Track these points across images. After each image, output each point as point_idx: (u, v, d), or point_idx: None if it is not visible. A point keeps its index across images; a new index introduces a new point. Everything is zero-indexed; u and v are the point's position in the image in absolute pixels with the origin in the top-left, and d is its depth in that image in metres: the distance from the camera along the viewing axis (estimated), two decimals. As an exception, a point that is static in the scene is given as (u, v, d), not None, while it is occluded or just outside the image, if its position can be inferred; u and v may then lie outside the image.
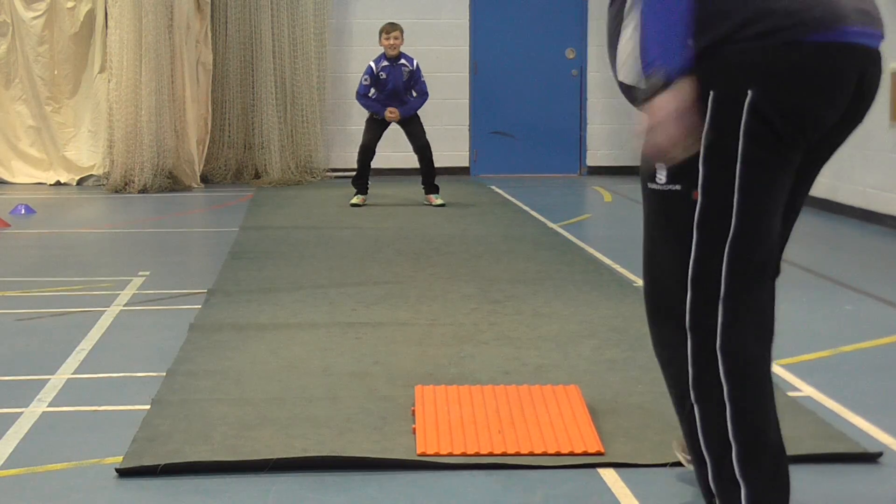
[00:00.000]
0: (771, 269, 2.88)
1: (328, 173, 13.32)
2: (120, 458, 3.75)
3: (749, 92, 2.66)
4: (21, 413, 4.29)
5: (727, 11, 2.67)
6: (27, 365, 5.01)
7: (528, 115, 13.77)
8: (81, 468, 3.73)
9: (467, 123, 13.80)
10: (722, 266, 2.76)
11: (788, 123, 2.71)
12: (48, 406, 4.41)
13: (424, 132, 10.63)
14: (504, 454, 3.78)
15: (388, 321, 5.80)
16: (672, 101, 2.66)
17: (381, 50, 10.73)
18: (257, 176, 13.03)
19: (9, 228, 9.35)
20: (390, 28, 10.64)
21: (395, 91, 10.55)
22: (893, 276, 7.28)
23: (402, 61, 10.59)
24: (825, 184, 10.31)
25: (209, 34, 12.86)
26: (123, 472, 3.65)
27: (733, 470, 2.81)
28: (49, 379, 4.77)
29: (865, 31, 2.76)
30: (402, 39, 10.64)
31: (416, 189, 11.15)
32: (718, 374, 2.79)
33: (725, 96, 2.68)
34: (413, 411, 4.19)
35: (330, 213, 10.30)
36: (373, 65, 10.60)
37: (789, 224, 3.07)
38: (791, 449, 3.79)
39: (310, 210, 10.58)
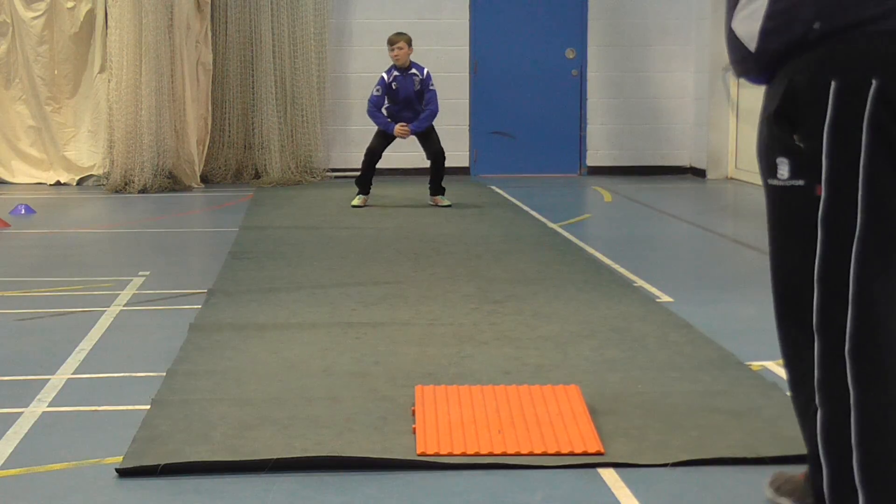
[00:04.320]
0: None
1: (328, 173, 13.32)
2: (120, 458, 3.75)
3: (873, 81, 2.58)
4: (21, 413, 4.30)
5: (832, 8, 2.64)
6: (27, 365, 5.01)
7: (528, 115, 13.76)
8: (81, 468, 3.73)
9: (467, 123, 13.79)
10: (850, 265, 2.67)
11: None
12: (48, 406, 4.41)
13: (438, 139, 10.64)
14: (504, 454, 3.79)
15: (388, 321, 5.80)
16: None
17: (380, 55, 10.70)
18: (257, 176, 13.03)
19: (9, 228, 9.35)
20: (395, 38, 10.56)
21: (407, 100, 10.52)
22: (893, 276, 7.28)
23: (413, 70, 10.55)
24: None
25: (209, 34, 12.86)
26: (123, 472, 3.66)
27: (853, 477, 2.71)
28: (49, 379, 4.77)
29: None
30: (409, 48, 10.57)
31: (416, 189, 11.14)
32: (846, 377, 2.70)
33: (848, 86, 2.60)
34: (413, 411, 4.19)
35: (330, 213, 10.30)
36: (385, 76, 10.55)
37: None
38: (791, 449, 3.80)
39: (310, 210, 10.57)
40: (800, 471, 3.33)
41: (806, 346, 2.78)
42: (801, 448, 3.79)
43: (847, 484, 2.73)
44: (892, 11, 2.60)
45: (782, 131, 2.72)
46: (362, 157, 10.72)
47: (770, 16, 2.71)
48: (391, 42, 10.56)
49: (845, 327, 2.70)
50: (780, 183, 2.74)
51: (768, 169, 2.78)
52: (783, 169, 2.73)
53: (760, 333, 5.55)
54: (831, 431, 2.74)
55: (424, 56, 13.12)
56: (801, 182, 2.69)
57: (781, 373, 4.81)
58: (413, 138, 10.71)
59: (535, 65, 13.73)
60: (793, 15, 2.68)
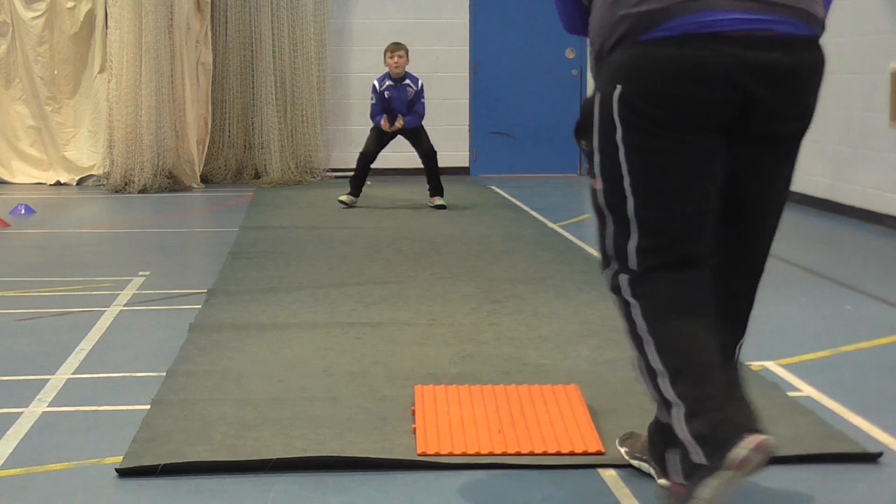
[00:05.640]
0: (688, 252, 3.13)
1: (328, 173, 13.33)
2: (120, 458, 3.75)
3: (618, 87, 3.06)
4: (21, 413, 4.29)
5: (602, 25, 3.13)
6: (27, 365, 5.01)
7: (528, 115, 13.77)
8: (81, 468, 3.73)
9: (467, 123, 13.80)
10: (632, 241, 3.13)
11: (659, 109, 3.03)
12: (48, 406, 4.41)
13: (428, 137, 10.62)
14: (504, 454, 3.78)
15: (388, 321, 5.80)
16: None
17: (374, 61, 10.73)
18: (257, 176, 13.04)
19: (9, 228, 9.35)
20: (395, 48, 10.51)
21: (398, 112, 10.52)
22: (893, 276, 7.28)
23: (407, 81, 10.53)
24: (825, 184, 10.31)
25: (209, 34, 12.87)
26: (123, 472, 3.65)
27: (671, 393, 3.03)
28: (49, 379, 4.77)
29: (738, 16, 2.97)
30: (408, 59, 10.57)
31: (416, 189, 11.15)
32: (640, 317, 3.12)
33: (604, 95, 3.11)
34: (413, 411, 4.19)
35: (330, 213, 10.30)
36: (376, 83, 10.54)
37: (761, 217, 3.27)
38: (791, 449, 3.81)
39: (310, 210, 10.58)
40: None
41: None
42: (800, 448, 3.81)
43: (665, 401, 3.05)
44: (615, 29, 3.08)
45: (578, 141, 3.29)
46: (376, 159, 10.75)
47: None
48: (392, 51, 10.47)
49: (628, 282, 3.18)
50: (589, 181, 3.27)
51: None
52: (588, 169, 3.28)
53: (760, 333, 5.54)
54: (645, 364, 3.13)
55: (425, 56, 13.13)
56: (591, 180, 3.25)
57: (782, 373, 4.82)
58: (405, 141, 10.69)
59: (535, 65, 13.73)
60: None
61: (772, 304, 6.26)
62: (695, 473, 2.89)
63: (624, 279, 3.15)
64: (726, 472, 2.82)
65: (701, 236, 3.14)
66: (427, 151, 10.56)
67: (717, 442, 2.85)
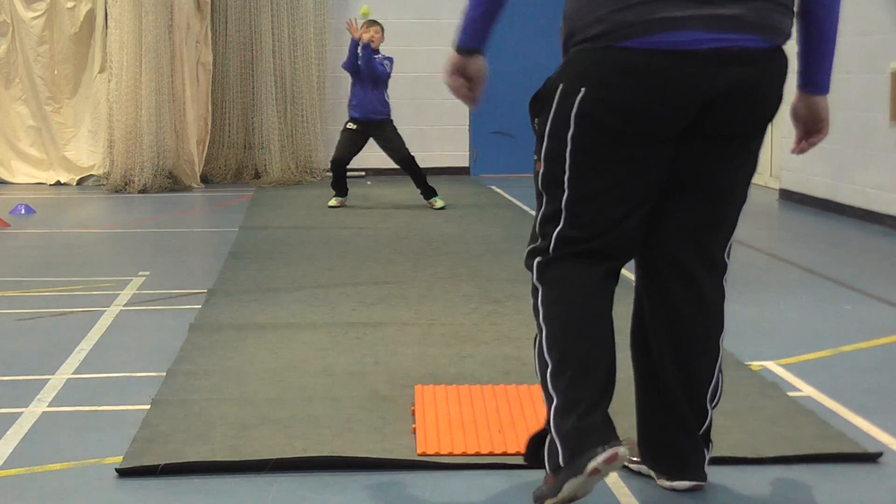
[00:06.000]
0: (604, 248, 3.25)
1: (328, 173, 13.29)
2: (120, 458, 3.75)
3: (582, 89, 3.14)
4: (21, 413, 4.30)
5: (579, 14, 3.20)
6: (27, 365, 5.01)
7: (528, 116, 13.73)
8: (81, 468, 3.73)
9: (467, 123, 13.79)
10: (558, 227, 3.25)
11: (617, 119, 3.13)
12: (48, 406, 4.41)
13: (402, 143, 10.58)
14: (504, 454, 3.78)
15: (388, 321, 5.80)
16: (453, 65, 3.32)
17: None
18: (257, 176, 13.04)
19: (9, 228, 9.35)
20: (369, 24, 10.64)
21: (367, 76, 10.49)
22: (893, 276, 7.28)
23: (378, 55, 10.57)
24: (825, 184, 10.31)
25: (209, 34, 12.87)
26: (123, 472, 3.65)
27: (550, 385, 3.18)
28: (49, 379, 4.77)
29: (710, 36, 3.05)
30: (383, 37, 10.61)
31: (415, 189, 11.14)
32: (541, 302, 3.25)
33: (567, 90, 3.18)
34: (413, 411, 4.19)
35: (330, 213, 10.30)
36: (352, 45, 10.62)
37: (719, 205, 3.32)
38: (791, 449, 3.81)
39: (310, 210, 10.58)
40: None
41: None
42: (800, 448, 3.81)
43: (547, 392, 3.19)
44: (588, 28, 3.16)
45: (531, 117, 3.34)
46: (350, 162, 10.74)
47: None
48: (368, 26, 10.56)
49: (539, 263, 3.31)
50: (534, 158, 3.35)
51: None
52: (535, 148, 3.35)
53: (760, 333, 5.56)
54: (538, 351, 3.24)
55: (425, 56, 13.14)
56: (535, 157, 3.32)
57: (782, 373, 4.82)
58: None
59: (535, 65, 13.70)
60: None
61: (772, 304, 6.26)
62: (558, 472, 3.16)
63: (537, 261, 3.28)
64: (582, 478, 3.10)
65: (624, 236, 3.25)
66: (403, 160, 10.54)
67: (575, 450, 3.11)
